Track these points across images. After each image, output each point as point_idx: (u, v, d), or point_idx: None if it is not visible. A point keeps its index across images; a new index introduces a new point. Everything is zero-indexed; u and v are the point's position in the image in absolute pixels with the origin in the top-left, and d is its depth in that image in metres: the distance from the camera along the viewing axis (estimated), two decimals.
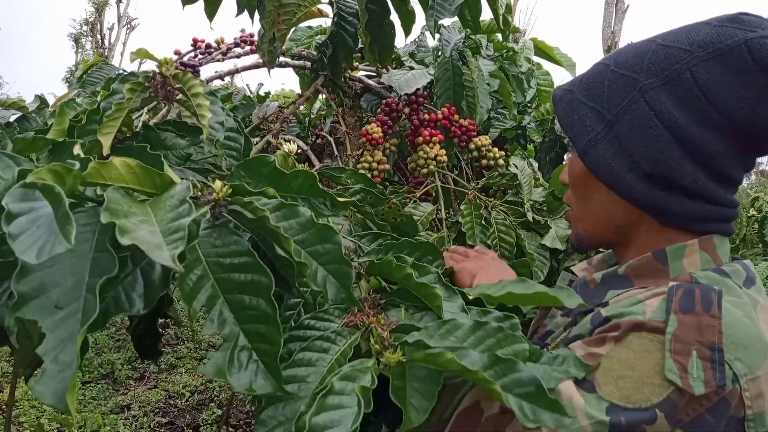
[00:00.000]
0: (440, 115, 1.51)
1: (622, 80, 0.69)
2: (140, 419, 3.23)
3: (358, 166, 1.43)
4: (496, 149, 1.51)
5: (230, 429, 3.18)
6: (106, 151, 0.77)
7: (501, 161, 1.49)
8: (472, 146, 1.50)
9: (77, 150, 0.63)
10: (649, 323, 0.60)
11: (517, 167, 1.40)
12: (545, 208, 1.39)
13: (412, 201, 1.37)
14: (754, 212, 3.67)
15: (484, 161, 1.52)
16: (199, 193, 0.58)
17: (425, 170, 1.45)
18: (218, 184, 0.58)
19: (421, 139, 1.48)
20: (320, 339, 0.62)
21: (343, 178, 0.98)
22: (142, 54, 0.89)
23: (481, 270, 0.86)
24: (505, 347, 0.58)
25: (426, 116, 1.50)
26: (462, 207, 1.36)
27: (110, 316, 0.51)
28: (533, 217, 1.31)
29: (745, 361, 0.58)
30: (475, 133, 1.50)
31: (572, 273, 0.86)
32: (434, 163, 1.44)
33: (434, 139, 1.46)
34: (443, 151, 1.45)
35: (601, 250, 0.86)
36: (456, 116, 1.51)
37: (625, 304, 0.65)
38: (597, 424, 0.56)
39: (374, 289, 0.74)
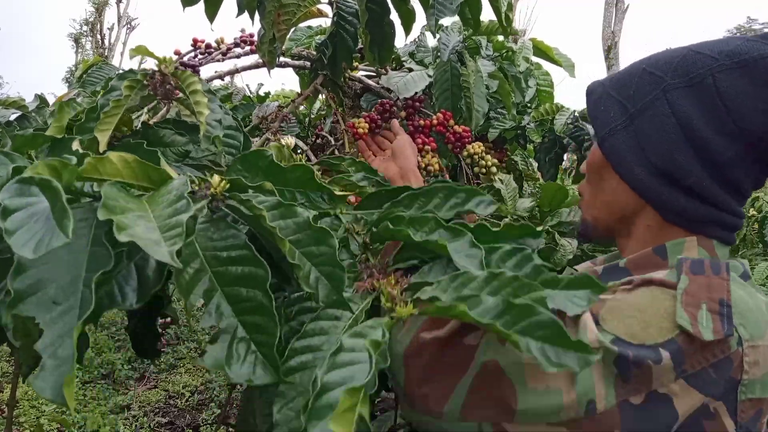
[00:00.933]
0: (435, 121, 1.51)
1: (650, 78, 0.72)
2: (140, 419, 3.23)
3: None
4: (489, 156, 1.52)
5: (230, 429, 3.18)
6: (102, 147, 0.76)
7: (494, 168, 1.50)
8: (466, 153, 1.51)
9: (76, 145, 0.63)
10: (660, 279, 0.63)
11: (502, 182, 1.41)
12: (537, 216, 1.40)
13: None
14: (754, 212, 3.66)
15: (476, 168, 1.52)
16: (197, 188, 0.59)
17: None
18: (216, 178, 0.58)
19: None
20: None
21: (342, 166, 0.96)
22: (141, 51, 0.89)
23: (405, 169, 1.05)
24: (521, 296, 0.54)
25: (421, 122, 1.51)
26: None
27: (104, 310, 0.51)
28: None
29: (747, 328, 0.60)
30: (469, 139, 1.50)
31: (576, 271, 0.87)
32: (425, 173, 1.45)
33: (426, 147, 1.46)
34: (435, 159, 1.45)
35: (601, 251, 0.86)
36: (451, 122, 1.51)
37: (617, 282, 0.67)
38: (605, 351, 0.56)
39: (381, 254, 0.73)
